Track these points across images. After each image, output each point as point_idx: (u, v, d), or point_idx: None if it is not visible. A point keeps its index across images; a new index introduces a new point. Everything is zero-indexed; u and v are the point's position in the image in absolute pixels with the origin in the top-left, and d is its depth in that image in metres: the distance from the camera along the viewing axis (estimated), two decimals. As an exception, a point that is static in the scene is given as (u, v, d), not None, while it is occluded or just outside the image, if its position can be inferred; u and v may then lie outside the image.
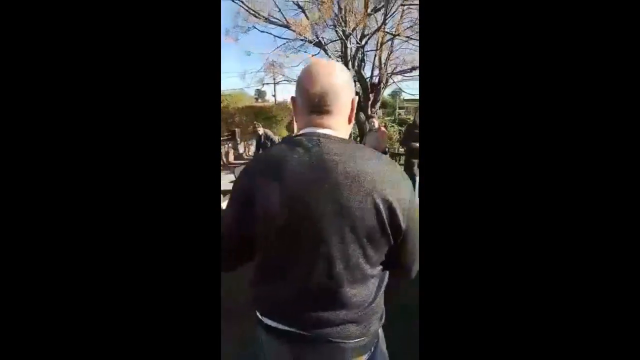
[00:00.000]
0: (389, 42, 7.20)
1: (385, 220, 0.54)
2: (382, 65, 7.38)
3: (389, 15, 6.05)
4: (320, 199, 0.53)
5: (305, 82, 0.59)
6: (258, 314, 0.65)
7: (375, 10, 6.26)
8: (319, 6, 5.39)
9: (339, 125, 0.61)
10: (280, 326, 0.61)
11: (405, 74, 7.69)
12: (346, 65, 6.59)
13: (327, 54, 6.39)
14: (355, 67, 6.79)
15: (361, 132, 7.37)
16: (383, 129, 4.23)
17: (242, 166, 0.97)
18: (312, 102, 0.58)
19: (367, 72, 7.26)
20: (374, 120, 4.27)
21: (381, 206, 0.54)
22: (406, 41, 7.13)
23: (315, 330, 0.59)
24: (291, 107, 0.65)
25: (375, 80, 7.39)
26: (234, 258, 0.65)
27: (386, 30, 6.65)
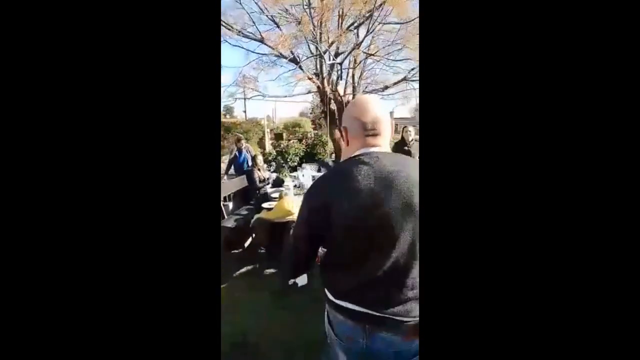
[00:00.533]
0: (363, 61, 7.31)
1: None
2: (356, 84, 7.43)
3: (368, 33, 6.11)
4: (390, 202, 0.67)
5: (357, 114, 0.75)
6: (332, 298, 0.77)
7: (354, 27, 6.29)
8: (297, 23, 5.31)
9: (385, 143, 0.77)
10: (356, 308, 0.73)
11: (378, 93, 7.81)
12: (322, 82, 6.51)
13: (302, 69, 6.25)
14: (331, 85, 6.73)
15: (337, 150, 7.27)
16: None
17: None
18: (366, 128, 0.74)
19: (341, 90, 7.26)
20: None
21: None
22: (379, 61, 7.29)
23: (386, 310, 0.71)
24: (342, 134, 0.79)
25: (350, 98, 7.40)
26: (306, 259, 0.82)
27: (361, 49, 6.73)
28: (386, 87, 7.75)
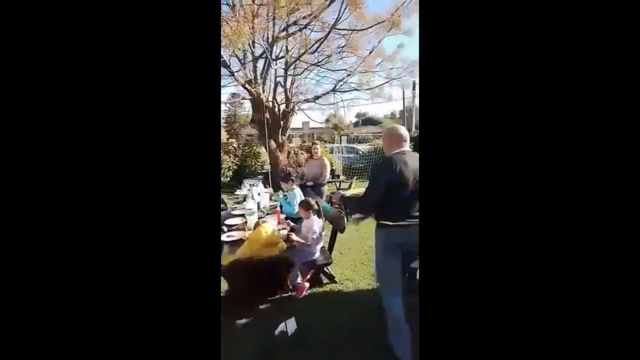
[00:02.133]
0: (295, 70, 7.13)
1: None
2: (289, 93, 7.19)
3: (319, 43, 5.91)
4: (415, 173, 1.49)
5: (394, 133, 1.66)
6: (383, 222, 1.52)
7: (287, 33, 6.03)
8: (226, 23, 4.75)
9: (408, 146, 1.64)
10: (390, 223, 1.55)
11: (311, 102, 7.75)
12: (256, 90, 6.03)
13: (234, 76, 5.65)
14: (266, 93, 6.32)
15: (273, 160, 6.84)
16: (324, 157, 3.89)
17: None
18: (401, 139, 1.63)
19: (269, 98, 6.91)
20: (317, 147, 3.87)
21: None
22: (312, 70, 7.24)
23: (410, 220, 1.51)
24: (387, 140, 1.68)
25: (283, 107, 7.10)
26: (375, 205, 1.58)
27: (293, 56, 6.54)
28: (317, 97, 7.76)
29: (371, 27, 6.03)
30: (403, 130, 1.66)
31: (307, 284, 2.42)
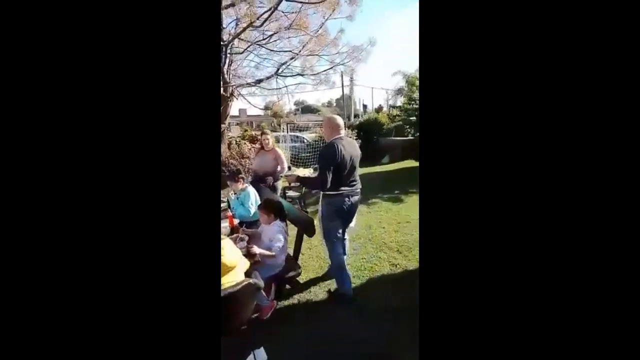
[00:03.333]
0: (233, 49, 6.35)
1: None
2: (227, 76, 6.41)
3: (268, 14, 5.17)
4: (355, 156, 2.08)
5: (334, 122, 2.11)
6: (327, 192, 2.06)
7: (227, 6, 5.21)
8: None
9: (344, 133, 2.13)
10: (335, 192, 2.05)
11: (252, 86, 7.08)
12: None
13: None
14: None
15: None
16: (277, 148, 3.44)
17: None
18: (339, 127, 2.10)
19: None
20: (268, 137, 3.37)
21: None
22: (247, 50, 6.55)
23: (347, 188, 2.08)
24: (328, 128, 2.12)
25: (223, 91, 6.31)
26: (327, 182, 1.96)
27: (232, 34, 5.79)
28: (259, 81, 7.12)
29: (320, 1, 5.65)
30: (340, 120, 2.14)
31: (274, 302, 2.06)
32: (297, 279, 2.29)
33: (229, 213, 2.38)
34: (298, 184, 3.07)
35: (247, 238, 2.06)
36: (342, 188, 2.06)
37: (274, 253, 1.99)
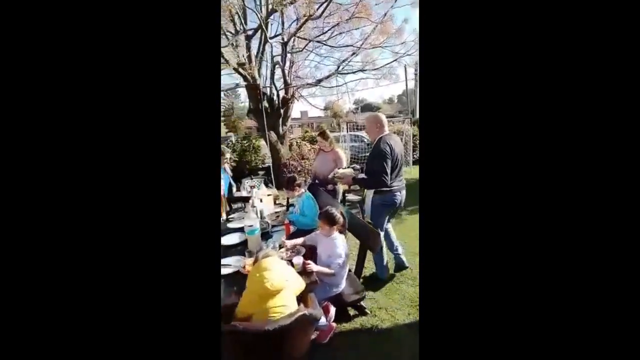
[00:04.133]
0: (293, 47, 6.34)
1: None
2: (288, 77, 6.42)
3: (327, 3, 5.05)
4: (401, 152, 2.21)
5: (379, 120, 2.24)
6: (374, 191, 2.19)
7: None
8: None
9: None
10: (388, 188, 2.16)
11: (313, 86, 6.99)
12: (251, 73, 5.28)
13: (224, 57, 4.87)
14: (265, 78, 5.58)
15: (274, 154, 6.16)
16: (337, 149, 3.19)
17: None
18: (384, 125, 2.22)
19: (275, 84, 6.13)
20: (329, 137, 3.13)
21: None
22: (306, 49, 6.45)
23: (397, 185, 2.23)
24: (374, 126, 2.23)
25: (283, 93, 6.35)
26: (382, 179, 2.08)
27: (291, 31, 5.75)
28: (319, 81, 7.00)
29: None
30: (384, 117, 2.23)
31: (333, 324, 1.79)
32: (362, 303, 1.98)
33: (287, 222, 2.21)
34: (357, 186, 2.85)
35: (304, 251, 1.83)
36: (394, 184, 2.14)
37: (333, 271, 1.72)
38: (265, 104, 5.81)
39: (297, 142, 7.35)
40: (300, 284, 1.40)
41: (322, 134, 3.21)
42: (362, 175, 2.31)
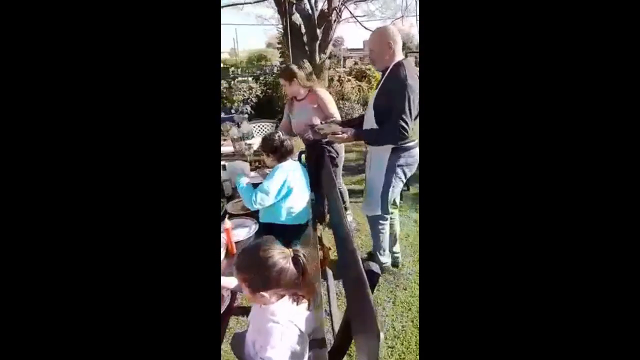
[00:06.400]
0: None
1: None
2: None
3: None
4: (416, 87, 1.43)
5: (389, 34, 1.42)
6: (393, 149, 1.49)
7: None
8: None
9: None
10: (412, 143, 1.45)
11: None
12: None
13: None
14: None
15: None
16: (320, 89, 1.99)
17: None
18: (397, 42, 1.44)
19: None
20: (293, 86, 1.90)
21: None
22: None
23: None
24: (384, 47, 1.41)
25: (326, 7, 4.75)
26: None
27: None
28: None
29: None
30: (398, 33, 1.45)
31: None
32: None
33: (227, 225, 1.21)
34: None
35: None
36: (414, 138, 1.44)
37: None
38: (299, 18, 4.37)
39: (339, 77, 5.90)
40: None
41: (285, 73, 1.91)
42: (373, 126, 1.46)
